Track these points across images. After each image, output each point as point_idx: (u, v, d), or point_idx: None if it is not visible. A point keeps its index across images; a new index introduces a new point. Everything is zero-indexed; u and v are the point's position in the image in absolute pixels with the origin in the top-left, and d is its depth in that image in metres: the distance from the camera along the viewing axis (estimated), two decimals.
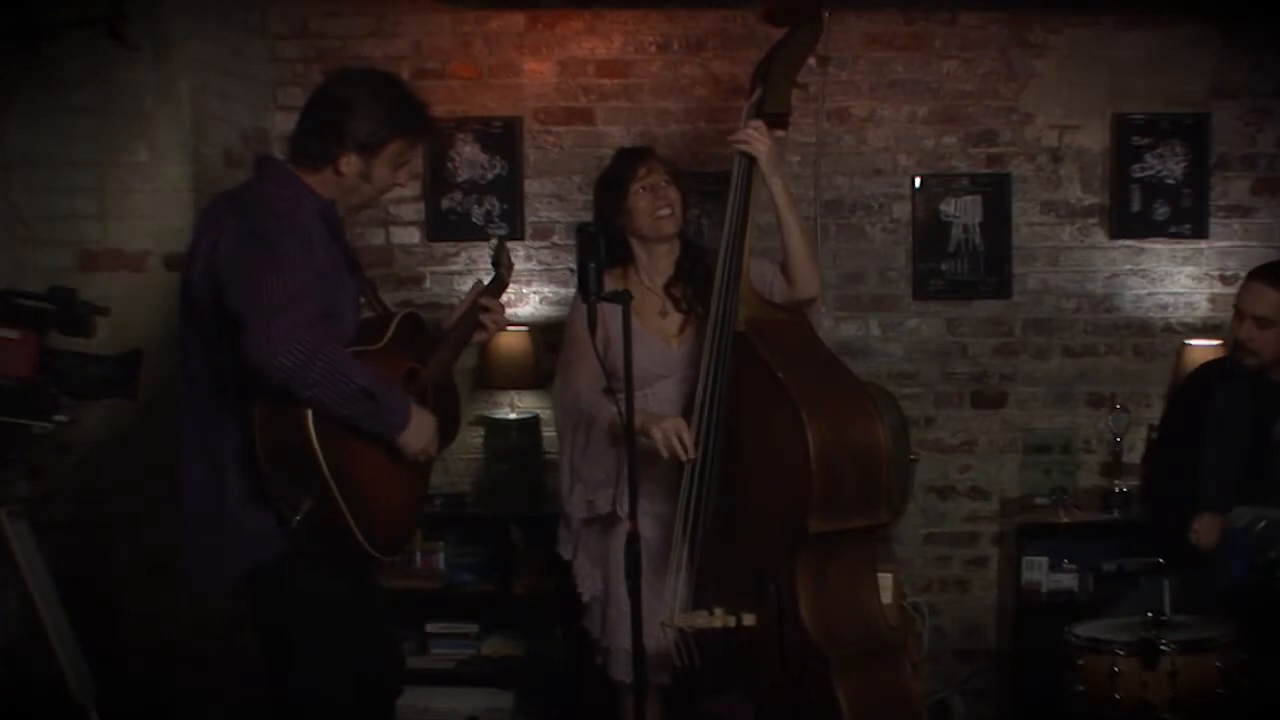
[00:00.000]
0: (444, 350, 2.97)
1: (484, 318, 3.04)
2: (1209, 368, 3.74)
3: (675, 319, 3.34)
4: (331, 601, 2.72)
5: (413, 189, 4.53)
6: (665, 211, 3.30)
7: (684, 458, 3.09)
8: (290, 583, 2.69)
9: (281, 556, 2.66)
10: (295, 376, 2.49)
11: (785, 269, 3.28)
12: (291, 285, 2.54)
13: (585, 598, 3.37)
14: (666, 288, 3.35)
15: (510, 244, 4.50)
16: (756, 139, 3.16)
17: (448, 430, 2.96)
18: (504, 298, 3.17)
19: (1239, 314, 3.52)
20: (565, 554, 3.42)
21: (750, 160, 3.16)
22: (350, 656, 2.78)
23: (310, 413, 2.53)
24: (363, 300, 2.93)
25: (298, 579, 2.69)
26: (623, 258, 3.37)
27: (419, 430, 2.73)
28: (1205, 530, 3.44)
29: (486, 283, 3.17)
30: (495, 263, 3.22)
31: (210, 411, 2.69)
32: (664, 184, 3.31)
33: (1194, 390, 3.70)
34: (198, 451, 2.71)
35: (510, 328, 4.36)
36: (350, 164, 2.76)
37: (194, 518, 2.72)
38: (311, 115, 2.80)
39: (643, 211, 3.30)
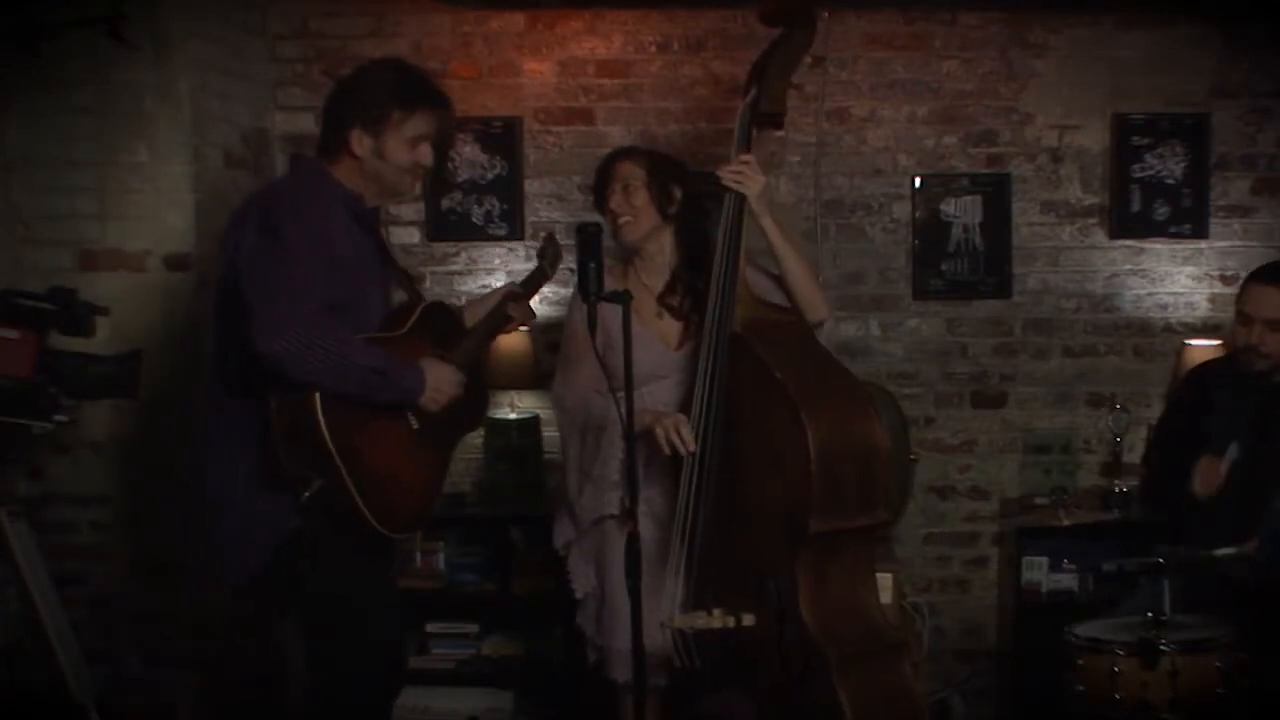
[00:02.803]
0: (470, 341, 3.00)
1: (511, 308, 3.09)
2: (1206, 369, 3.74)
3: (673, 323, 3.33)
4: (346, 590, 2.75)
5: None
6: (624, 220, 3.29)
7: (684, 451, 3.09)
8: (307, 567, 2.71)
9: (298, 540, 2.67)
10: (292, 362, 2.52)
11: (789, 300, 3.27)
12: (295, 273, 2.57)
13: (579, 594, 3.36)
14: (660, 297, 3.33)
15: (510, 244, 4.57)
16: (747, 177, 3.12)
17: (472, 418, 2.98)
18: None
19: (1245, 319, 3.47)
20: (559, 543, 3.41)
21: (741, 197, 3.14)
22: (368, 640, 2.81)
23: (318, 397, 2.56)
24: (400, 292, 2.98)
25: (313, 561, 2.70)
26: (625, 258, 3.37)
27: (438, 385, 2.76)
28: (1205, 473, 3.43)
29: (528, 274, 3.27)
30: (540, 255, 3.26)
31: (233, 403, 2.74)
32: (630, 189, 3.28)
33: (1192, 392, 3.69)
34: (220, 444, 2.75)
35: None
36: (360, 141, 2.78)
37: (218, 511, 2.76)
38: (325, 109, 2.87)
39: (610, 221, 3.31)
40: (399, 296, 3.02)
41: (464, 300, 4.59)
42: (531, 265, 3.41)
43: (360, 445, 2.63)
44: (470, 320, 3.12)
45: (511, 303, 3.12)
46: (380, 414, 2.69)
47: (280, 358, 2.51)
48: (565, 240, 4.49)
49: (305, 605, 2.79)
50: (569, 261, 4.44)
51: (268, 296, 2.55)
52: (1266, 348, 3.44)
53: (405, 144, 2.82)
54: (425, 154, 2.87)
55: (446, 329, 2.97)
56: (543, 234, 3.42)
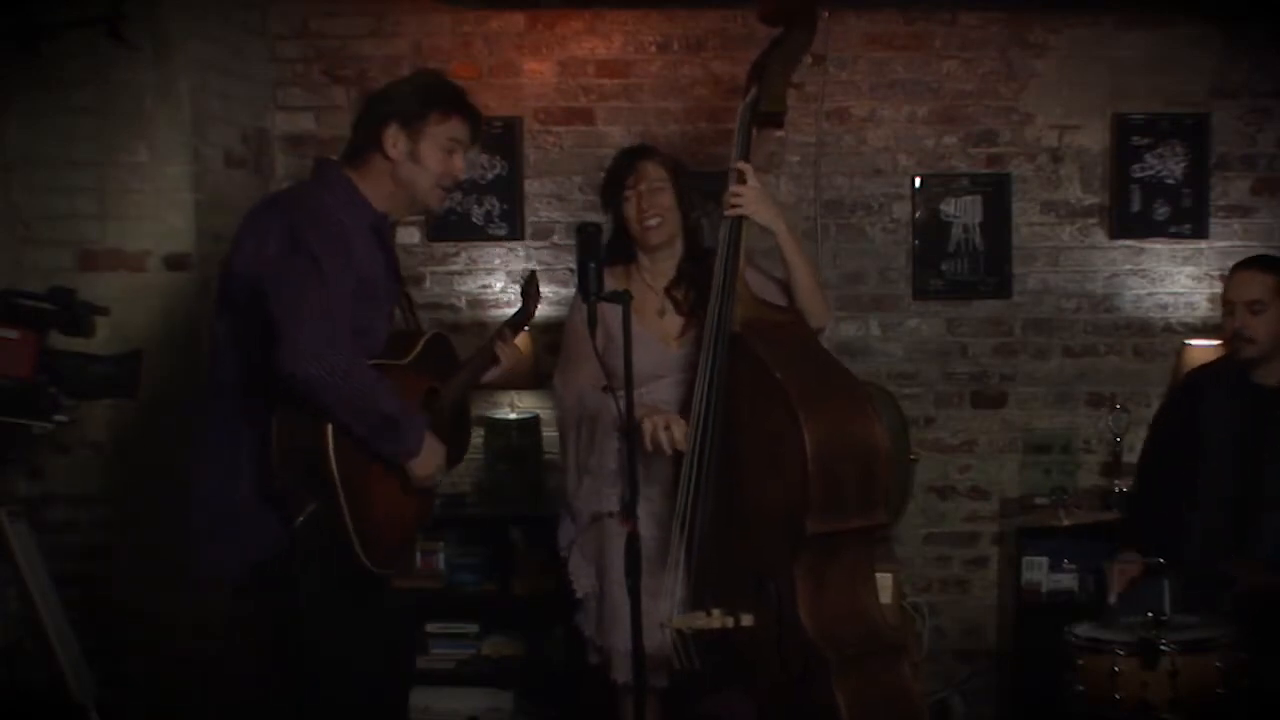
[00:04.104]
0: (463, 374, 3.02)
1: (498, 349, 3.09)
2: (1200, 372, 3.73)
3: (675, 320, 3.33)
4: (337, 600, 2.73)
5: None
6: (653, 221, 3.28)
7: (666, 451, 3.09)
8: (297, 581, 2.70)
9: (287, 553, 2.67)
10: (322, 391, 2.52)
11: (793, 303, 3.27)
12: (330, 299, 2.56)
13: (579, 594, 3.36)
14: (667, 290, 3.34)
15: (510, 244, 4.58)
16: (747, 200, 3.11)
17: (457, 452, 2.98)
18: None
19: (1229, 306, 3.50)
20: (563, 544, 3.40)
21: (740, 220, 3.13)
22: (358, 655, 2.79)
23: (331, 426, 2.57)
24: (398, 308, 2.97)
25: (303, 577, 2.69)
26: (626, 257, 3.37)
27: (428, 459, 2.76)
28: (1119, 573, 3.45)
29: (511, 315, 3.26)
30: (524, 294, 3.27)
31: (234, 407, 2.72)
32: (656, 189, 3.28)
33: (1189, 394, 3.68)
34: (216, 447, 2.74)
35: None
36: (395, 140, 2.76)
37: (205, 511, 2.74)
38: (358, 115, 2.85)
39: (632, 219, 3.30)
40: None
41: (463, 301, 4.62)
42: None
43: (360, 473, 2.63)
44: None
45: (499, 343, 3.11)
46: None
47: (306, 382, 2.51)
48: (566, 240, 4.55)
49: (297, 612, 2.77)
50: (569, 261, 4.48)
51: (300, 318, 2.52)
52: (1250, 331, 3.44)
53: (441, 149, 2.80)
54: (459, 165, 2.85)
55: (445, 360, 2.98)
56: (524, 273, 3.40)
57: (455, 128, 2.82)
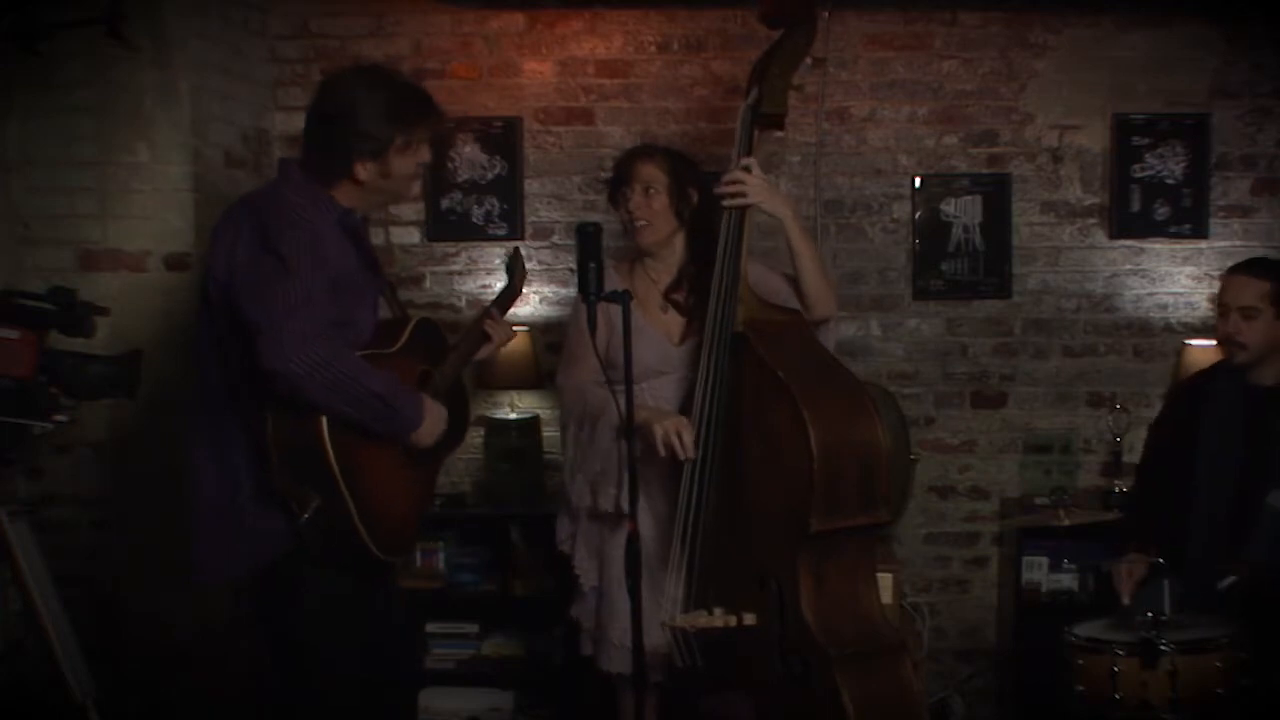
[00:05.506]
0: (456, 355, 3.02)
1: (488, 326, 3.09)
2: (1200, 376, 3.73)
3: (678, 318, 3.33)
4: (339, 602, 2.73)
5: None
6: (640, 224, 3.29)
7: (682, 457, 3.09)
8: (299, 583, 2.70)
9: (290, 555, 2.66)
10: (307, 383, 2.51)
11: (800, 295, 3.26)
12: (302, 292, 2.55)
13: (585, 588, 3.35)
14: (666, 293, 3.34)
15: (510, 244, 4.57)
16: (749, 187, 3.12)
17: (456, 434, 2.98)
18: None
19: (1223, 309, 3.50)
20: (565, 548, 3.41)
21: (741, 216, 3.13)
22: (358, 658, 2.79)
23: (326, 419, 2.56)
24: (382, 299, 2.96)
25: (306, 579, 2.70)
26: (635, 253, 3.37)
27: (433, 424, 2.76)
28: (1127, 574, 3.45)
29: (498, 292, 3.24)
30: (509, 271, 3.26)
31: (225, 409, 2.71)
32: (649, 192, 3.27)
33: (1190, 397, 3.68)
34: (210, 449, 2.73)
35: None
36: (366, 170, 2.76)
37: (205, 513, 2.73)
38: (318, 130, 2.78)
39: (625, 222, 3.32)
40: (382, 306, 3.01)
41: (464, 301, 4.62)
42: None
43: (359, 464, 2.63)
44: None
45: (488, 321, 3.11)
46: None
47: (289, 377, 2.50)
48: (566, 240, 4.55)
49: (302, 612, 2.77)
50: (569, 261, 4.48)
51: (275, 315, 2.52)
52: (1242, 337, 3.44)
53: (410, 157, 2.80)
54: (426, 154, 2.85)
55: (435, 344, 2.98)
56: (507, 250, 3.39)
57: (419, 134, 2.81)
